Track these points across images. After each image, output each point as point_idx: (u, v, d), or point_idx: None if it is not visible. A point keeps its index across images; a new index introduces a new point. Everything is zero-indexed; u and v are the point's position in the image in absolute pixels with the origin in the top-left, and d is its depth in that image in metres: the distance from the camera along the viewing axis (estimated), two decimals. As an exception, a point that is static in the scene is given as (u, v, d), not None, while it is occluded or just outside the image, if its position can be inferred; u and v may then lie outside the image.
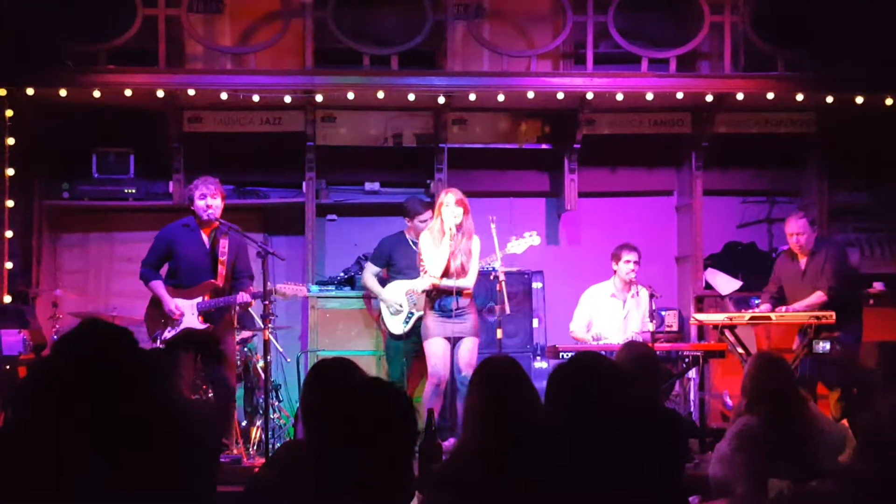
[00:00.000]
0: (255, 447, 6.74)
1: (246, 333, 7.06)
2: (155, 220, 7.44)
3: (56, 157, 7.99)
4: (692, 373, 6.94)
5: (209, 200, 6.23)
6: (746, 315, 6.81)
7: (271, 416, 6.41)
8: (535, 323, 7.58)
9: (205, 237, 6.32)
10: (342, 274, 7.82)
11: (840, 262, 7.02)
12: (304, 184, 7.94)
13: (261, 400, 6.79)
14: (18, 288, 7.60)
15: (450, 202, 6.42)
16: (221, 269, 6.27)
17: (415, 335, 6.75)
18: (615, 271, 7.25)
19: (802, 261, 7.02)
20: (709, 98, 7.71)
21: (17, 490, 2.30)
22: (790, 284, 7.05)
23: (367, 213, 8.30)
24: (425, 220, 6.83)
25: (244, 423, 6.92)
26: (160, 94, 7.45)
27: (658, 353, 5.96)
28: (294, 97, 7.63)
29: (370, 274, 7.13)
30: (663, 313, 7.83)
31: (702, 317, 7.01)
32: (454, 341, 6.46)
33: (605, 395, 2.75)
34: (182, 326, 6.20)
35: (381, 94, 7.57)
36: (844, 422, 5.76)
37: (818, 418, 4.26)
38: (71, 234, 8.29)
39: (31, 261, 7.87)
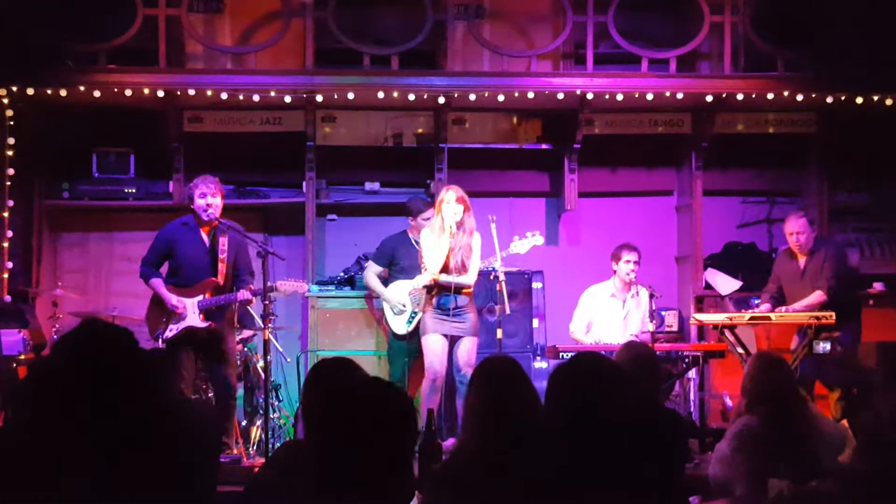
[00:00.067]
0: (254, 447, 6.74)
1: (246, 333, 7.06)
2: (155, 219, 7.44)
3: (56, 156, 7.99)
4: (692, 373, 6.94)
5: (209, 199, 6.23)
6: (746, 315, 6.81)
7: (271, 416, 6.41)
8: (535, 323, 7.57)
9: (204, 236, 6.33)
10: (342, 274, 7.82)
11: (839, 261, 7.03)
12: (304, 184, 7.94)
13: (261, 400, 6.79)
14: (18, 287, 7.61)
15: (450, 199, 6.42)
16: (221, 268, 6.27)
17: (417, 335, 6.74)
18: (615, 271, 7.26)
19: (802, 260, 7.02)
20: (709, 98, 7.71)
21: (17, 490, 2.30)
22: (789, 284, 7.05)
23: (367, 213, 8.30)
24: (428, 219, 6.82)
25: (244, 423, 6.92)
26: (160, 93, 7.45)
27: (658, 353, 5.96)
28: (294, 97, 7.63)
29: (372, 273, 7.12)
30: (663, 313, 7.83)
31: (702, 317, 7.01)
32: (453, 340, 6.46)
33: (606, 395, 2.75)
34: (183, 325, 6.20)
35: (381, 94, 7.57)
36: (844, 422, 5.76)
37: (818, 418, 4.26)
38: (71, 233, 8.30)
39: (31, 260, 7.88)
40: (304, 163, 7.90)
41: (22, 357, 6.79)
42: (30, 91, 7.39)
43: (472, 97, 7.66)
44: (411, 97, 7.65)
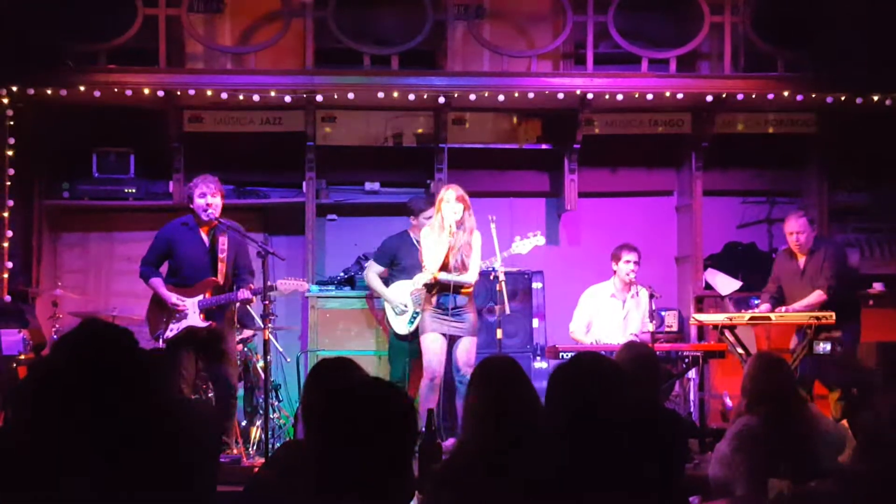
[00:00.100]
0: (254, 447, 6.74)
1: (246, 333, 7.06)
2: (155, 219, 7.44)
3: (56, 156, 7.99)
4: (692, 373, 6.94)
5: (209, 199, 6.23)
6: (746, 315, 6.80)
7: (271, 416, 6.40)
8: (535, 323, 7.57)
9: (204, 236, 6.32)
10: (342, 274, 7.82)
11: (839, 261, 7.02)
12: (304, 184, 7.94)
13: (261, 400, 6.79)
14: (18, 287, 7.61)
15: (450, 198, 6.41)
16: (221, 267, 6.27)
17: (419, 335, 6.74)
18: (615, 271, 7.25)
19: (801, 260, 7.02)
20: (709, 98, 7.71)
21: (17, 490, 2.30)
22: (789, 284, 7.05)
23: (367, 213, 8.30)
24: (430, 217, 6.80)
25: (244, 423, 6.92)
26: (160, 93, 7.45)
27: (658, 353, 5.96)
28: (294, 97, 7.63)
29: (374, 273, 7.10)
30: (663, 313, 7.83)
31: (702, 317, 7.01)
32: (452, 339, 6.45)
33: (606, 395, 2.75)
34: (184, 325, 6.19)
35: (381, 94, 7.57)
36: (844, 422, 5.76)
37: (818, 418, 4.26)
38: (71, 233, 8.30)
39: (31, 260, 7.88)
40: (304, 163, 7.90)
41: (22, 357, 6.79)
42: (30, 91, 7.40)
43: (472, 97, 7.66)
44: (411, 97, 7.65)
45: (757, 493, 3.69)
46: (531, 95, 7.63)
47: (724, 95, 7.69)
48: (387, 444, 2.25)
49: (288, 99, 7.64)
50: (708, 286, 8.07)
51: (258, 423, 6.84)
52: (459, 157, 8.05)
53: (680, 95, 7.68)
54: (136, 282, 6.56)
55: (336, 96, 7.65)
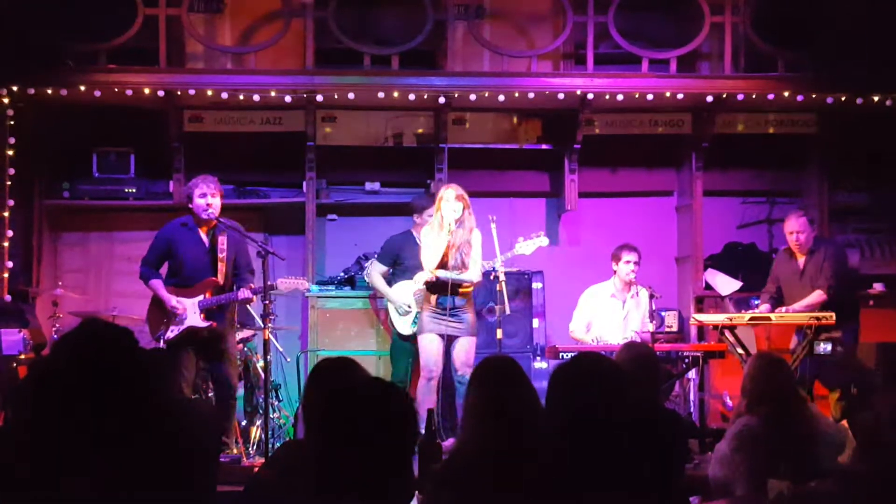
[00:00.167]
0: (254, 447, 6.74)
1: (246, 332, 7.05)
2: (155, 219, 7.44)
3: (56, 156, 7.99)
4: (692, 373, 6.93)
5: (209, 199, 6.22)
6: (746, 315, 6.80)
7: (271, 416, 6.41)
8: (535, 323, 7.57)
9: (203, 235, 6.31)
10: (342, 274, 7.82)
11: (839, 261, 7.02)
12: (304, 184, 7.94)
13: (261, 400, 6.79)
14: (19, 287, 7.61)
15: (449, 197, 6.41)
16: (221, 267, 6.26)
17: None
18: (615, 271, 7.25)
19: (801, 260, 7.01)
20: (709, 99, 7.71)
21: (17, 490, 2.30)
22: (788, 284, 7.04)
23: (367, 213, 8.30)
24: (433, 215, 6.80)
25: (244, 423, 6.92)
26: (160, 93, 7.45)
27: (658, 353, 5.95)
28: (294, 97, 7.63)
29: (377, 273, 7.08)
30: (663, 314, 7.83)
31: (702, 317, 7.01)
32: (450, 339, 6.44)
33: (606, 395, 2.75)
34: (184, 325, 6.19)
35: (381, 94, 7.57)
36: (844, 422, 5.76)
37: (818, 419, 4.26)
38: (71, 233, 8.30)
39: (32, 260, 7.88)
40: (304, 163, 7.90)
41: (22, 357, 6.79)
42: (30, 91, 7.40)
43: (473, 97, 7.66)
44: (411, 97, 7.65)
45: (757, 494, 3.70)
46: (531, 95, 7.63)
47: (724, 96, 7.69)
48: (387, 444, 2.25)
49: (288, 99, 7.64)
50: (708, 286, 8.07)
51: (258, 422, 6.84)
52: (459, 157, 8.05)
53: (680, 96, 7.68)
54: (136, 282, 6.56)
55: (336, 96, 7.65)
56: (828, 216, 8.16)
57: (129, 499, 2.31)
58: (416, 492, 3.10)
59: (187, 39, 7.78)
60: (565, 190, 8.13)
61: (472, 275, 6.44)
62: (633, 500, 2.73)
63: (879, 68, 7.59)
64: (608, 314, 7.25)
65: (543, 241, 6.77)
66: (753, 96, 7.70)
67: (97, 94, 7.40)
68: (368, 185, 8.24)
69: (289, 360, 7.55)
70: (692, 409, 6.98)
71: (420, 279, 6.54)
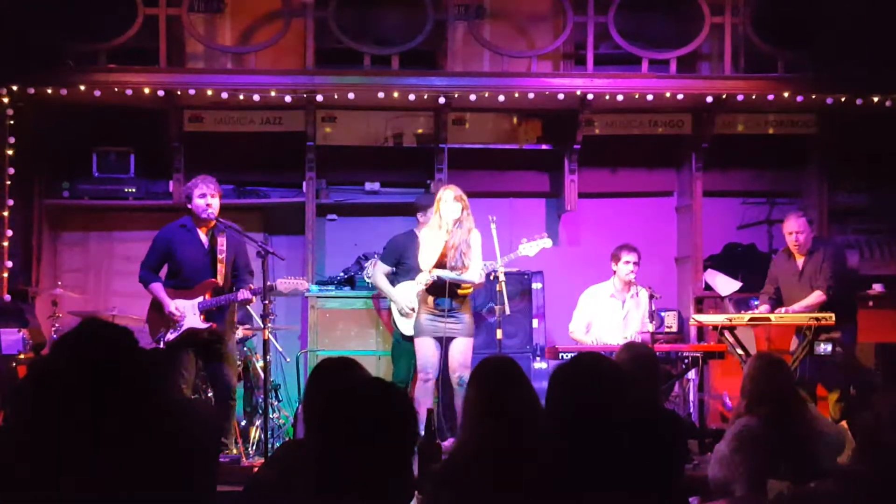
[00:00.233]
0: (254, 447, 6.74)
1: (245, 331, 7.02)
2: (155, 219, 7.44)
3: (56, 156, 7.99)
4: (692, 374, 6.93)
5: (209, 199, 6.21)
6: (746, 316, 6.80)
7: (270, 416, 6.40)
8: (535, 323, 7.57)
9: (203, 236, 6.30)
10: (342, 274, 7.82)
11: (838, 262, 7.01)
12: (304, 184, 7.94)
13: (260, 400, 6.79)
14: (18, 287, 7.61)
15: (448, 198, 6.40)
16: (221, 268, 6.26)
17: None
18: (615, 272, 7.25)
19: (800, 261, 7.01)
20: (709, 99, 7.72)
21: (17, 490, 2.30)
22: (787, 284, 7.03)
23: (367, 213, 8.30)
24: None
25: (243, 423, 6.92)
26: (161, 93, 7.45)
27: (658, 353, 5.95)
28: (294, 97, 7.63)
29: (381, 273, 7.03)
30: (663, 314, 7.84)
31: (701, 318, 7.01)
32: (447, 341, 6.42)
33: (606, 395, 2.75)
34: (184, 327, 6.18)
35: (381, 95, 7.58)
36: (844, 423, 5.76)
37: (817, 419, 4.26)
38: (71, 233, 8.30)
39: (31, 260, 7.88)
40: (304, 163, 7.90)
41: (21, 356, 6.79)
42: (30, 90, 7.40)
43: (473, 97, 7.66)
44: (411, 97, 7.65)
45: (756, 494, 3.70)
46: (531, 96, 7.63)
47: (724, 96, 7.69)
48: (387, 444, 2.25)
49: (288, 99, 7.64)
50: (708, 287, 8.07)
51: (257, 423, 6.84)
52: (459, 157, 8.05)
53: (680, 96, 7.69)
54: (135, 282, 6.54)
55: (336, 96, 7.66)
56: (827, 217, 8.17)
57: (129, 499, 2.31)
58: (416, 492, 3.10)
59: (187, 39, 7.79)
60: (565, 190, 8.13)
61: (473, 276, 6.42)
62: (633, 500, 2.73)
63: (879, 69, 7.59)
64: (608, 314, 7.25)
65: (547, 242, 6.77)
66: (753, 97, 7.70)
67: (97, 93, 7.40)
68: (368, 185, 8.24)
69: (288, 360, 7.56)
70: (692, 410, 6.98)
71: (422, 280, 6.52)
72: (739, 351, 6.62)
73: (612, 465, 2.67)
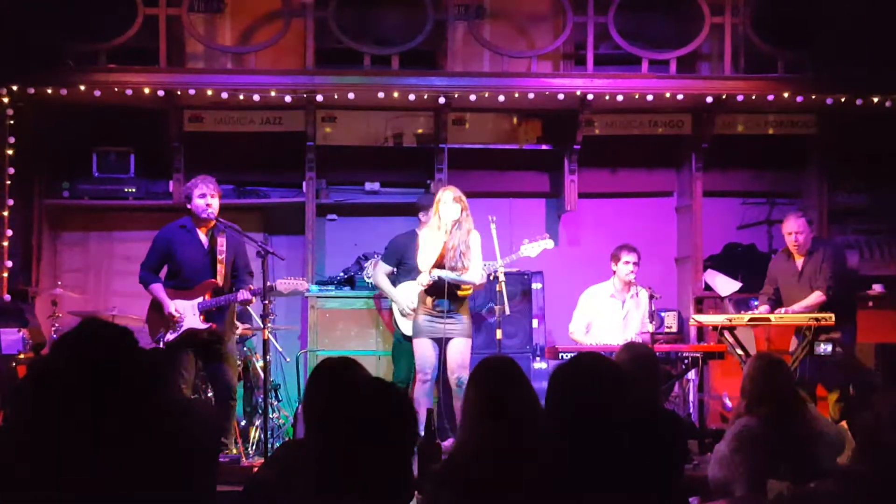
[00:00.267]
0: (253, 447, 6.73)
1: (244, 329, 7.01)
2: (155, 219, 7.44)
3: (56, 156, 7.99)
4: (691, 374, 6.93)
5: (208, 199, 6.21)
6: (746, 316, 6.80)
7: (270, 416, 6.40)
8: (535, 324, 7.57)
9: (202, 237, 6.30)
10: (342, 274, 7.82)
11: (838, 262, 7.01)
12: (304, 184, 7.94)
13: (260, 400, 6.79)
14: (18, 287, 7.61)
15: (447, 199, 6.39)
16: (220, 269, 6.25)
17: None
18: (614, 272, 7.25)
19: (799, 261, 7.00)
20: (709, 99, 7.72)
21: (17, 490, 2.30)
22: (786, 285, 7.03)
23: (367, 213, 8.30)
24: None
25: (243, 423, 6.92)
26: (161, 93, 7.45)
27: (657, 354, 5.95)
28: (294, 97, 7.63)
29: (382, 273, 7.02)
30: (663, 314, 7.84)
31: (701, 318, 7.01)
32: (444, 342, 6.41)
33: (606, 395, 2.75)
34: (184, 327, 6.18)
35: (381, 95, 7.57)
36: (843, 423, 5.76)
37: (817, 420, 4.26)
38: (71, 232, 8.30)
39: (31, 260, 7.88)
40: (304, 163, 7.90)
41: (21, 356, 6.79)
42: (30, 90, 7.40)
43: (473, 97, 7.66)
44: (411, 97, 7.65)
45: (756, 495, 3.70)
46: (531, 96, 7.63)
47: (724, 96, 7.69)
48: (387, 444, 2.25)
49: (288, 99, 7.64)
50: (707, 287, 8.07)
51: (257, 423, 6.84)
52: (459, 157, 8.05)
53: (680, 96, 7.69)
54: (135, 282, 6.54)
55: (336, 96, 7.65)
56: (827, 217, 8.17)
57: (129, 499, 2.31)
58: (416, 492, 3.10)
59: (187, 39, 7.79)
60: (565, 190, 8.13)
61: (474, 277, 6.41)
62: (633, 500, 2.73)
63: (879, 69, 7.59)
64: (608, 314, 7.25)
65: (549, 243, 6.77)
66: (753, 97, 7.71)
67: (97, 93, 7.40)
68: (368, 186, 8.24)
69: (288, 360, 7.56)
70: (691, 410, 6.98)
71: (423, 280, 6.51)
72: (739, 351, 6.62)
73: (612, 466, 2.67)
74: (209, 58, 7.89)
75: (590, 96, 7.62)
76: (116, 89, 7.39)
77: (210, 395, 6.57)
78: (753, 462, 3.85)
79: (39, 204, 7.96)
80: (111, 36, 7.40)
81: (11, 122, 7.50)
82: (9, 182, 7.49)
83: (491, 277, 6.55)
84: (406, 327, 6.88)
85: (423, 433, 4.07)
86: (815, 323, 6.52)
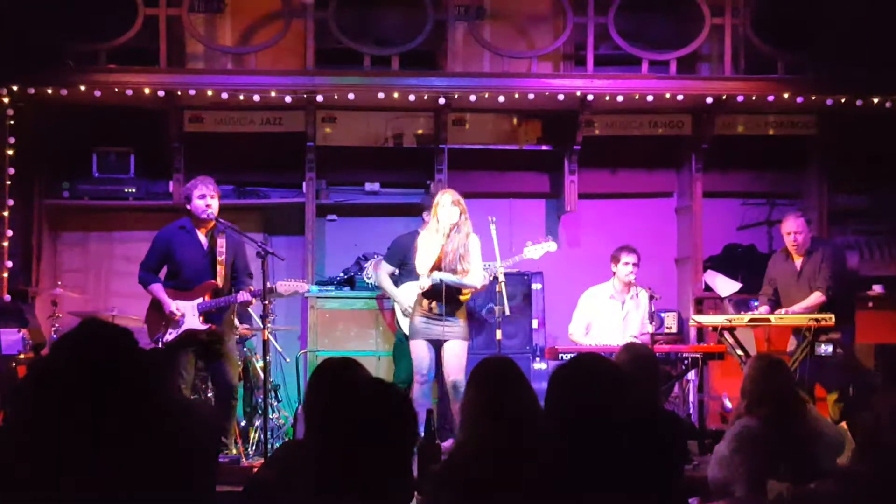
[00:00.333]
0: (253, 447, 6.73)
1: (242, 328, 7.00)
2: (155, 219, 7.44)
3: (56, 156, 7.99)
4: (691, 374, 6.93)
5: (208, 200, 6.22)
6: (746, 317, 6.80)
7: (270, 417, 6.40)
8: (535, 324, 7.57)
9: (202, 237, 6.30)
10: (342, 274, 7.82)
11: (837, 262, 7.00)
12: (304, 184, 7.94)
13: (260, 400, 6.79)
14: (18, 287, 7.61)
15: (445, 202, 6.38)
16: (220, 269, 6.25)
17: None
18: (614, 273, 7.25)
19: (798, 261, 7.00)
20: (709, 100, 7.72)
21: (17, 490, 2.30)
22: (785, 285, 7.03)
23: (367, 213, 8.30)
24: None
25: (243, 423, 6.91)
26: (161, 93, 7.45)
27: (657, 354, 5.96)
28: (294, 97, 7.63)
29: (384, 273, 7.00)
30: (663, 315, 7.84)
31: (701, 318, 7.01)
32: (440, 344, 6.40)
33: (606, 396, 2.75)
34: (183, 328, 6.18)
35: (381, 95, 7.58)
36: (843, 424, 5.76)
37: (817, 420, 4.26)
38: (71, 233, 8.30)
39: (31, 260, 7.88)
40: (304, 163, 7.90)
41: (21, 356, 6.79)
42: (30, 91, 7.40)
43: (473, 98, 7.66)
44: (411, 98, 7.65)
45: (756, 495, 3.70)
46: (531, 96, 7.63)
47: (724, 97, 7.70)
48: (387, 445, 2.25)
49: (288, 99, 7.64)
50: (707, 288, 8.07)
51: (257, 423, 6.84)
52: (459, 157, 8.05)
53: (680, 97, 7.69)
54: (135, 282, 6.55)
55: (336, 97, 7.65)
56: (827, 218, 8.17)
57: (129, 499, 2.31)
58: (416, 492, 3.10)
59: (188, 39, 7.79)
60: (565, 191, 8.13)
61: (474, 280, 6.41)
62: (633, 501, 2.73)
63: (879, 70, 7.59)
64: (607, 315, 7.25)
65: (552, 245, 6.78)
66: (753, 98, 7.71)
67: (97, 94, 7.40)
68: (368, 186, 8.24)
69: (288, 360, 7.56)
70: (691, 411, 6.98)
71: (423, 283, 6.50)
72: (739, 352, 6.63)
73: (612, 466, 2.67)
74: (209, 58, 7.89)
75: (590, 97, 7.62)
76: (116, 89, 7.39)
77: (210, 395, 6.57)
78: (753, 462, 3.85)
79: (39, 204, 7.96)
80: (111, 36, 7.40)
81: (11, 122, 7.50)
82: (9, 182, 7.49)
83: (491, 278, 6.54)
84: (408, 328, 6.88)
85: (422, 434, 4.07)
86: (814, 324, 6.52)
